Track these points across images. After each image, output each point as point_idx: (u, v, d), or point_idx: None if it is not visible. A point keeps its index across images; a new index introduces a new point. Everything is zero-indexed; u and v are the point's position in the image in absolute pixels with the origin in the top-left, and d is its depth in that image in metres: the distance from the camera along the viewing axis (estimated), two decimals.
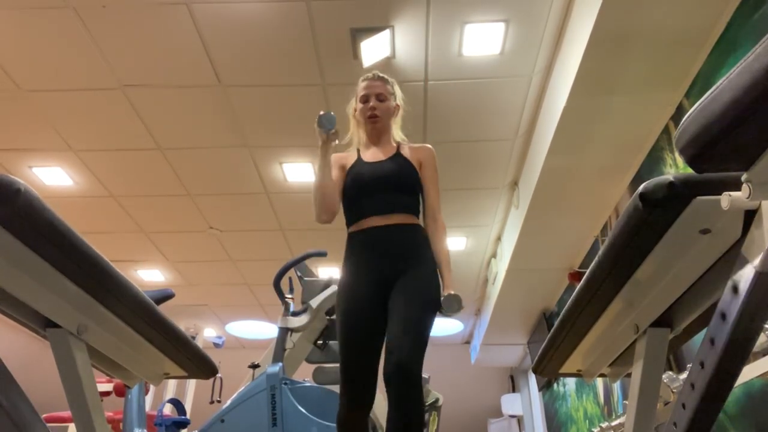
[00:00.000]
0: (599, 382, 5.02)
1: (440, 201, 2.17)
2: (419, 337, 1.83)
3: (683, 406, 0.90)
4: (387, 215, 2.02)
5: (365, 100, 2.20)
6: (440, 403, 3.66)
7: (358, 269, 1.99)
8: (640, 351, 1.15)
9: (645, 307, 1.13)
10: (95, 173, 4.88)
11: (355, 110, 2.25)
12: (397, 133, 2.27)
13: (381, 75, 2.26)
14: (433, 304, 1.95)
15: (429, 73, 3.86)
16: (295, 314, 3.50)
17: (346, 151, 2.25)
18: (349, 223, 2.10)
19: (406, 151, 2.19)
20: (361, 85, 2.24)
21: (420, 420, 1.80)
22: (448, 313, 1.98)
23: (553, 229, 4.72)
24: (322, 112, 2.02)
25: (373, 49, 3.63)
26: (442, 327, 8.20)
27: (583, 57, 3.05)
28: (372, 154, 2.18)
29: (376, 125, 2.19)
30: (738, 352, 0.83)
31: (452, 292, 1.99)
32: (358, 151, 2.22)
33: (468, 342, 8.81)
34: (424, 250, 2.03)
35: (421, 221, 2.13)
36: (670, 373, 2.46)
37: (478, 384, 8.82)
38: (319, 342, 3.61)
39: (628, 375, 1.34)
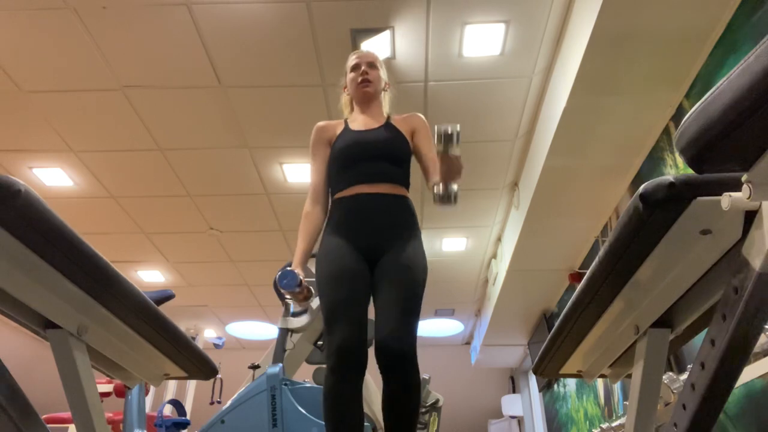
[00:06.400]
0: (600, 383, 5.01)
1: None
2: (411, 313, 1.77)
3: (684, 406, 0.90)
4: (375, 184, 1.97)
5: (356, 68, 2.16)
6: (440, 404, 3.66)
7: (344, 233, 1.92)
8: (641, 352, 1.15)
9: (645, 308, 1.13)
10: (95, 174, 4.88)
11: (345, 86, 2.22)
12: (386, 108, 2.22)
13: (371, 51, 2.25)
14: (423, 279, 1.87)
15: (429, 74, 3.86)
16: (296, 315, 3.49)
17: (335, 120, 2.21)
18: (335, 191, 2.03)
19: (396, 122, 2.14)
20: (352, 57, 2.21)
21: (416, 399, 1.70)
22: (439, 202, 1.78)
23: (553, 229, 4.71)
24: (277, 276, 1.89)
25: (373, 50, 3.63)
26: (443, 328, 8.20)
27: (583, 57, 3.05)
28: (361, 123, 2.12)
29: (367, 89, 2.13)
30: (738, 352, 0.83)
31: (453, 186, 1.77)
32: (346, 121, 2.16)
33: (468, 343, 8.80)
34: (412, 221, 1.98)
35: (409, 194, 2.06)
36: (671, 373, 2.45)
37: (479, 385, 8.81)
38: (320, 343, 3.61)
39: (629, 376, 1.34)
